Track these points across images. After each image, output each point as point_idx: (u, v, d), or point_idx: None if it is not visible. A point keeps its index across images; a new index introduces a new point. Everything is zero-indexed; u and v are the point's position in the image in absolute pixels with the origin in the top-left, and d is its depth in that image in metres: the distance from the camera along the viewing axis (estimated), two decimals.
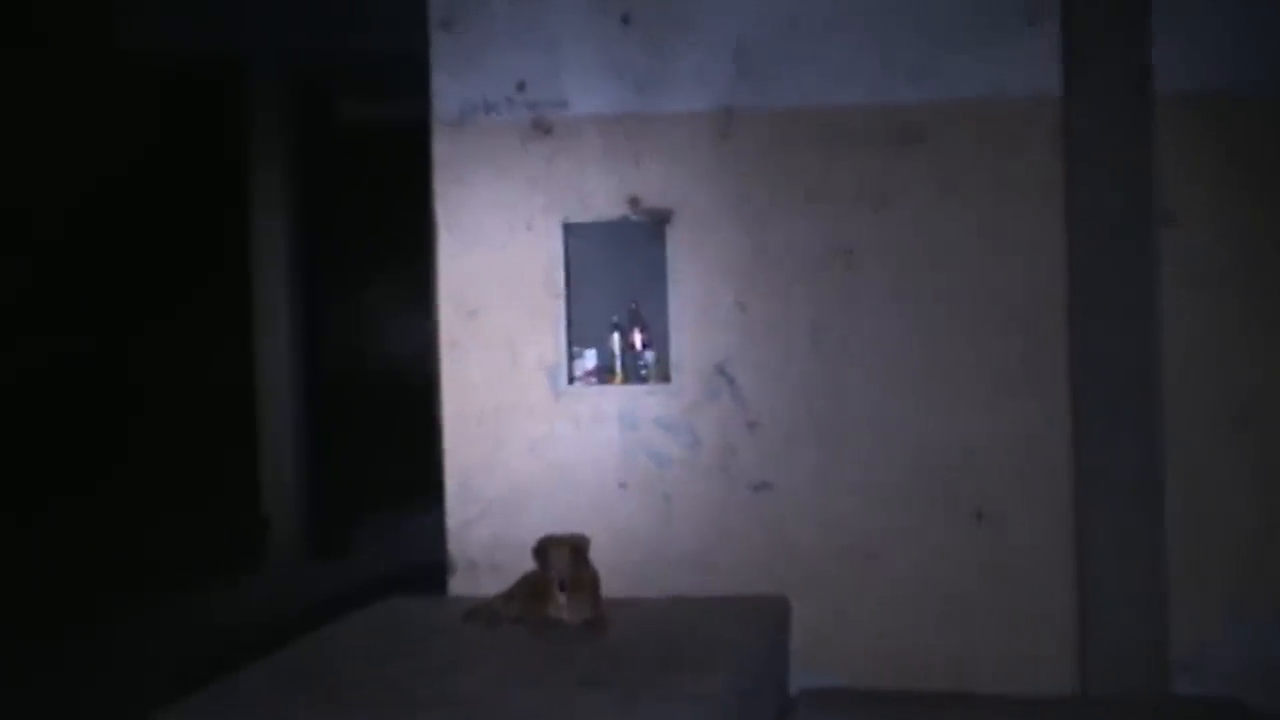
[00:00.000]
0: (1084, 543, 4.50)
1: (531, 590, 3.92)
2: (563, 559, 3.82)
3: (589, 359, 4.85)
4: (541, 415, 4.78)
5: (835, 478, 4.66)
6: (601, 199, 4.77)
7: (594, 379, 4.84)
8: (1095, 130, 4.48)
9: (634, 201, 4.76)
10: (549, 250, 4.79)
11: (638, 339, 4.86)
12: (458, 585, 4.75)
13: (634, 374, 4.84)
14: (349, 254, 9.97)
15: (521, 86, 4.79)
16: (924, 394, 4.63)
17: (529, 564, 3.93)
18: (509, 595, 4.01)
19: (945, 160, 4.62)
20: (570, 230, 4.81)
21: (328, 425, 9.26)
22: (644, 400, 4.77)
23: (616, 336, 4.86)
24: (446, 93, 4.81)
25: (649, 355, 4.85)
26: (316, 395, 9.18)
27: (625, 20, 4.75)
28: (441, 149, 4.82)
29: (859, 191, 4.65)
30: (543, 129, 4.79)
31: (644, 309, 4.86)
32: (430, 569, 5.01)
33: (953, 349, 4.63)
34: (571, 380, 4.81)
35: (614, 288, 4.89)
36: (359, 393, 9.92)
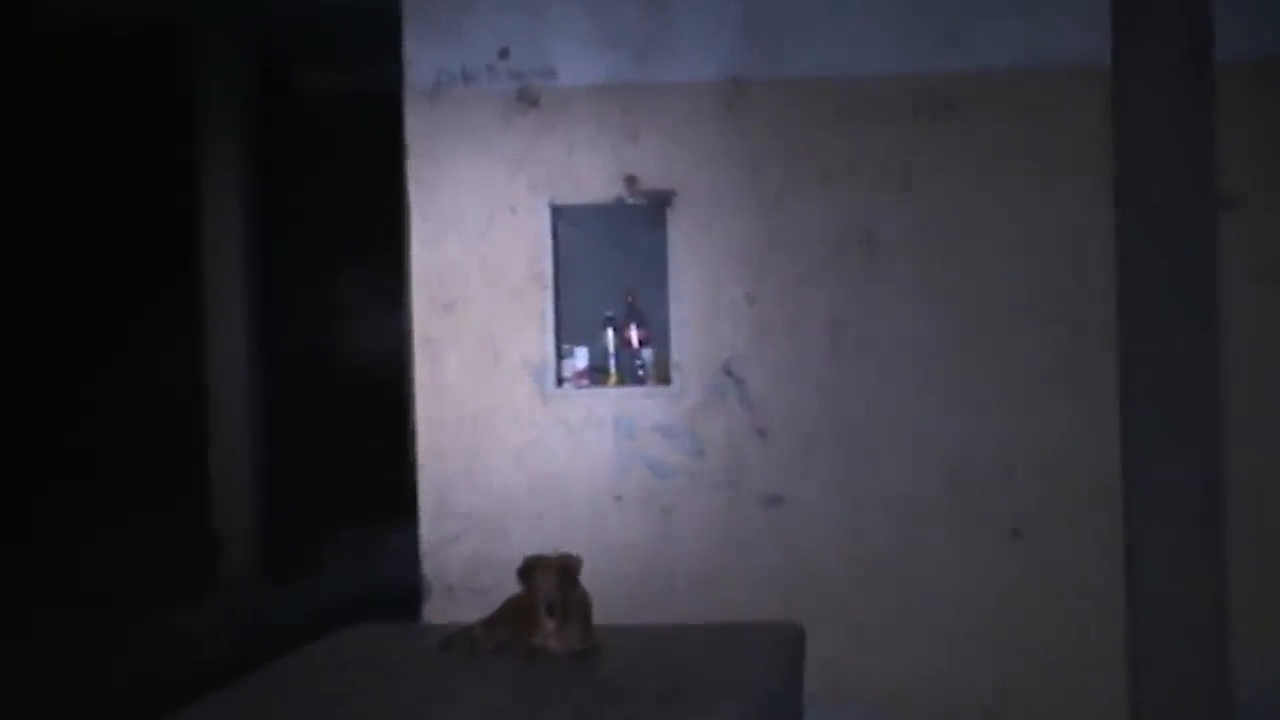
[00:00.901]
0: (1135, 566, 4.50)
1: (516, 616, 3.91)
2: (551, 581, 3.81)
3: (580, 358, 4.86)
4: (527, 421, 4.78)
5: (855, 491, 4.67)
6: (594, 179, 4.77)
7: (585, 380, 4.84)
8: (1148, 102, 4.48)
9: (630, 182, 4.77)
10: (535, 236, 4.79)
11: (634, 335, 4.87)
12: (433, 611, 4.76)
13: (630, 374, 4.85)
14: (310, 241, 9.95)
15: (504, 53, 4.80)
16: (955, 398, 4.64)
17: (513, 587, 3.92)
18: (490, 622, 4.00)
19: (979, 137, 4.62)
20: (559, 214, 4.81)
21: (287, 432, 9.24)
22: (641, 404, 4.77)
23: (610, 333, 4.86)
24: (420, 60, 4.81)
25: (647, 354, 4.86)
26: (274, 398, 9.16)
27: None
28: (415, 123, 4.82)
29: (882, 171, 4.66)
30: (528, 101, 4.79)
31: (641, 302, 4.86)
32: (403, 592, 5.00)
33: (987, 348, 4.63)
34: (560, 382, 4.82)
35: (608, 278, 4.90)
36: (322, 396, 9.91)
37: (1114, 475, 4.54)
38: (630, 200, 4.77)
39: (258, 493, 8.99)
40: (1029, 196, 4.61)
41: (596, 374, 4.86)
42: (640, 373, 4.85)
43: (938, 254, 4.64)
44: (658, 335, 4.83)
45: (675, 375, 4.76)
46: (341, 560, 9.27)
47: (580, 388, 4.83)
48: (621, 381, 4.84)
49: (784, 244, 4.71)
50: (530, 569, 3.86)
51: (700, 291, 4.74)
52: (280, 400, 9.21)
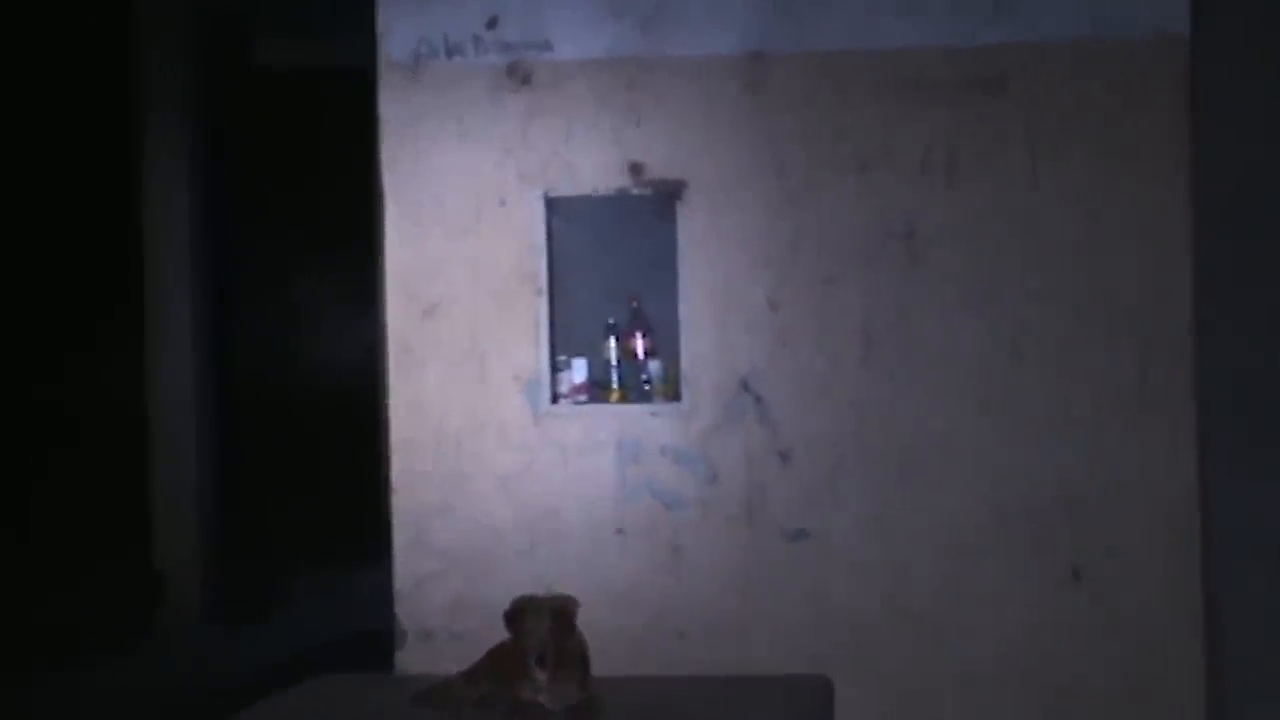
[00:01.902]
0: (1215, 614, 4.49)
1: (502, 666, 3.92)
2: (542, 626, 3.82)
3: (577, 370, 4.85)
4: (517, 442, 4.78)
5: (892, 524, 4.66)
6: (594, 167, 4.77)
7: (584, 396, 4.84)
8: (1232, 80, 4.48)
9: (635, 170, 4.77)
10: (527, 232, 4.79)
11: (639, 345, 4.86)
12: (408, 660, 4.74)
13: (634, 389, 4.84)
14: (270, 236, 9.98)
15: (493, 23, 4.80)
16: (1007, 418, 4.63)
17: (499, 633, 3.93)
18: (473, 673, 4.01)
19: (1036, 119, 4.61)
20: (554, 207, 4.81)
21: (242, 455, 9.26)
22: (647, 423, 4.77)
23: (612, 342, 4.86)
24: (397, 29, 4.81)
25: (653, 366, 4.85)
26: (227, 416, 9.18)
27: None
28: (390, 102, 4.83)
29: (924, 158, 4.66)
30: (520, 77, 4.80)
31: (647, 307, 4.86)
32: (373, 639, 5.01)
33: (1045, 362, 4.62)
34: (556, 398, 4.81)
35: (609, 280, 4.90)
36: (283, 413, 9.93)
37: (1191, 508, 4.53)
38: (635, 191, 4.78)
39: (206, 524, 8.99)
40: (1093, 188, 4.61)
41: (596, 389, 4.86)
42: (646, 387, 4.84)
43: (987, 253, 4.64)
44: (666, 345, 4.82)
45: (686, 390, 4.75)
46: (303, 602, 9.28)
47: (578, 404, 4.83)
48: (624, 397, 4.84)
49: (810, 241, 4.71)
50: (519, 612, 3.87)
51: (714, 295, 4.74)
52: (233, 417, 9.21)
